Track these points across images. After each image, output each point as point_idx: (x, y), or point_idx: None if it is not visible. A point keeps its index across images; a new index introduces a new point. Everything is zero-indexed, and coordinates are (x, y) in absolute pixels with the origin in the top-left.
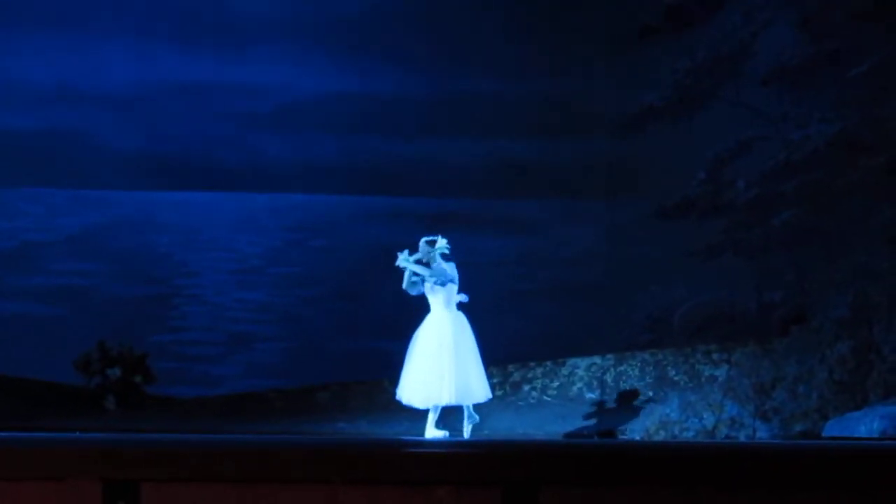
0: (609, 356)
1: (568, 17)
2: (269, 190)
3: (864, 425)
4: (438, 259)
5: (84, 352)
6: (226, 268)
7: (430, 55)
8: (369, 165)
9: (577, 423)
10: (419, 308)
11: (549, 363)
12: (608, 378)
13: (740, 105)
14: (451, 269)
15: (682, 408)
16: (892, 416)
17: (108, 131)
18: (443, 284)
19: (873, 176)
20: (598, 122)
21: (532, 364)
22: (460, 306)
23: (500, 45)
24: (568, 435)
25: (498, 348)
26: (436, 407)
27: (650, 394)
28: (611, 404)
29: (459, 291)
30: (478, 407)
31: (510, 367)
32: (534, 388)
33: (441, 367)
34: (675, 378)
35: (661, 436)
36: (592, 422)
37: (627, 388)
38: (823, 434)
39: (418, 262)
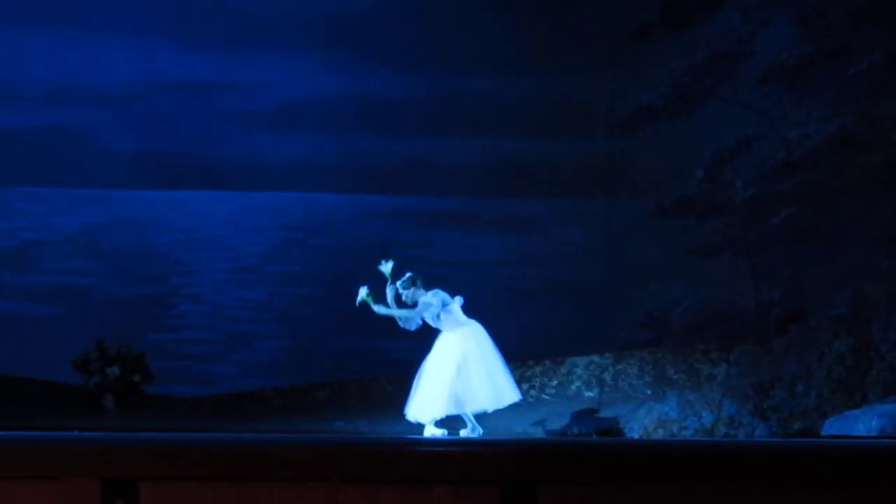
0: (608, 355)
1: (566, 16)
2: (267, 189)
3: (863, 424)
4: (421, 293)
5: (83, 351)
6: (224, 267)
7: (428, 55)
8: (368, 164)
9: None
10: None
11: (547, 362)
12: (607, 377)
13: (738, 104)
14: (434, 297)
15: (680, 406)
16: (891, 414)
17: (107, 130)
18: (438, 317)
19: (872, 175)
20: (596, 121)
21: (531, 363)
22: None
23: (498, 44)
24: (567, 434)
25: (496, 347)
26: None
27: (649, 392)
28: (609, 403)
29: (454, 295)
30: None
31: (509, 366)
32: (532, 387)
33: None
34: (674, 377)
35: (659, 434)
36: (591, 420)
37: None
38: (822, 432)
39: (398, 297)
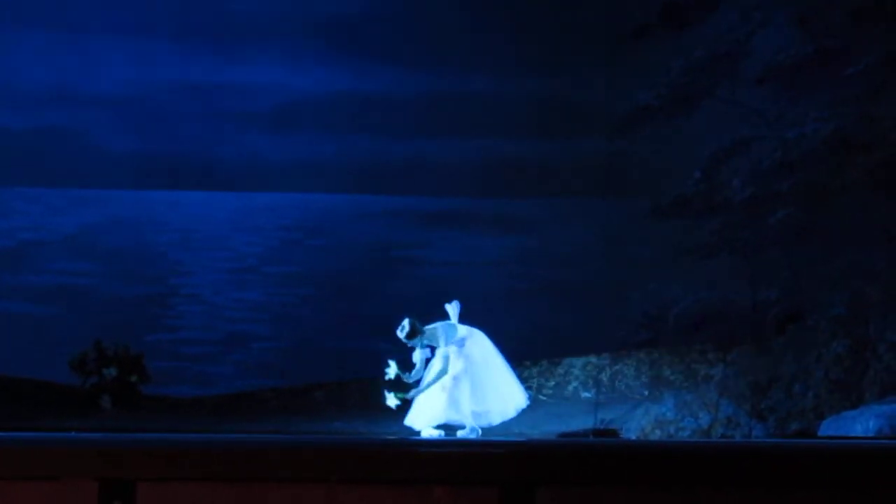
0: (605, 355)
1: (564, 16)
2: (265, 189)
3: (860, 424)
4: (429, 332)
5: (80, 351)
6: (222, 267)
7: (427, 55)
8: (366, 165)
9: (573, 423)
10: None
11: (544, 362)
12: (604, 377)
13: (736, 104)
14: (445, 342)
15: (677, 407)
16: (888, 414)
17: (105, 131)
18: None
19: (870, 175)
20: (594, 121)
21: (528, 363)
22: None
23: (496, 44)
24: (564, 435)
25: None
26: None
27: (646, 393)
28: (607, 403)
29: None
30: None
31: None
32: (530, 388)
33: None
34: (671, 377)
35: (657, 435)
36: (589, 421)
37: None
38: (819, 433)
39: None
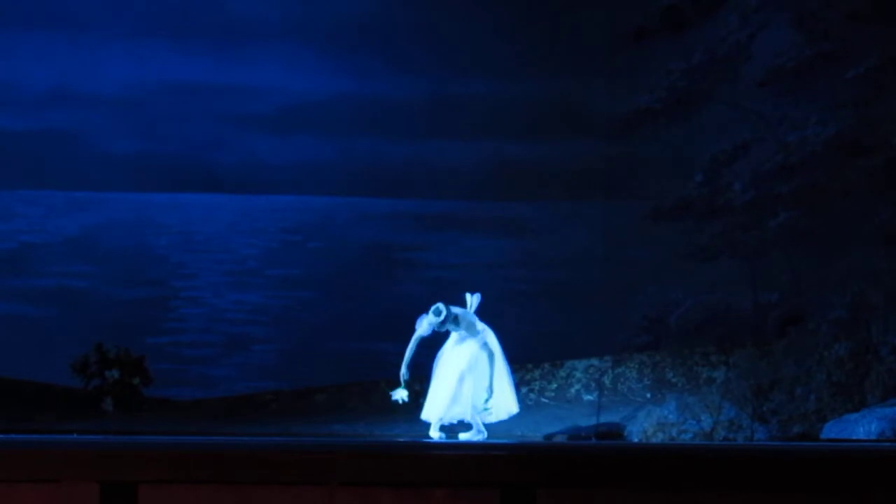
0: (607, 358)
1: (564, 19)
2: (266, 191)
3: (862, 427)
4: (461, 316)
5: (82, 354)
6: (223, 269)
7: (427, 57)
8: (367, 167)
9: (574, 425)
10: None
11: (546, 365)
12: (606, 380)
13: (737, 107)
14: (470, 321)
15: (679, 410)
16: (890, 417)
17: (104, 133)
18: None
19: (870, 178)
20: (594, 123)
21: (530, 366)
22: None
23: (496, 46)
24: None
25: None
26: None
27: (648, 396)
28: (608, 406)
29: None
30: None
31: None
32: (531, 390)
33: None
34: (673, 380)
35: (658, 438)
36: (590, 423)
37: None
38: (821, 436)
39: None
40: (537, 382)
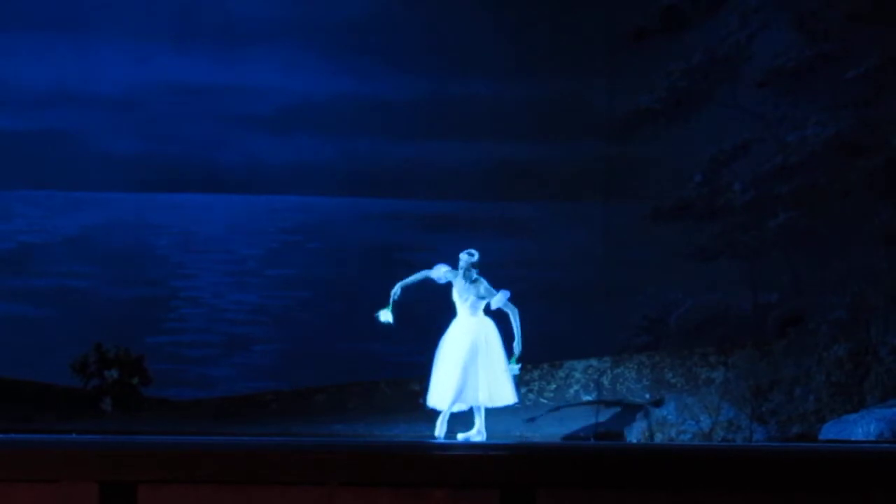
0: (606, 358)
1: (564, 19)
2: (266, 192)
3: (861, 428)
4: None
5: (81, 353)
6: (223, 270)
7: (427, 57)
8: (367, 167)
9: (574, 426)
10: (417, 310)
11: (545, 365)
12: (605, 380)
13: (736, 107)
14: (488, 288)
15: (678, 410)
16: (889, 418)
17: (104, 133)
18: (481, 298)
19: (870, 178)
20: (594, 124)
21: (529, 366)
22: (488, 311)
23: (496, 47)
24: (565, 437)
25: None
26: (447, 412)
27: (647, 396)
28: (608, 407)
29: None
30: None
31: None
32: (530, 391)
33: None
34: (672, 380)
35: (658, 438)
36: (590, 424)
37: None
38: (820, 437)
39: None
40: (536, 383)
